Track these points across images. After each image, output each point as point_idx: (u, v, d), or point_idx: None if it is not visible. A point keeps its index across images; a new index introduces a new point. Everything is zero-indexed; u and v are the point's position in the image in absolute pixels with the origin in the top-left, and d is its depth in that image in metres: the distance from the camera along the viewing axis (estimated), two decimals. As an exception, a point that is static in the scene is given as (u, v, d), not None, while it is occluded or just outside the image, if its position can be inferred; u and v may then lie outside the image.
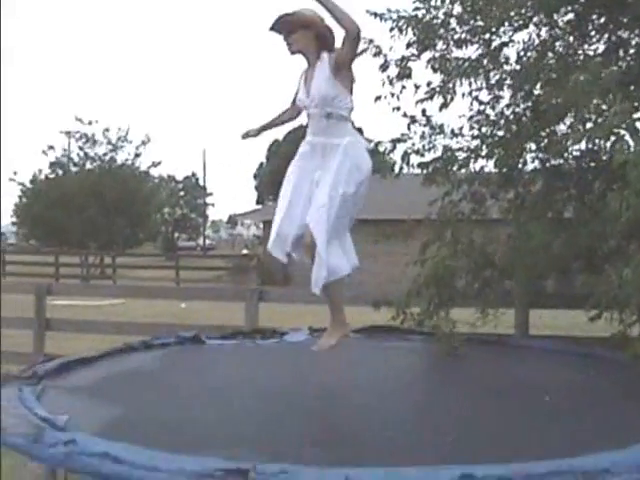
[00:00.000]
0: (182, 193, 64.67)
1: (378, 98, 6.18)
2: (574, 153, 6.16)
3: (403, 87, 6.16)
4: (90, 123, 36.98)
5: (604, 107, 4.88)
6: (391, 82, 6.16)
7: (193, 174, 66.07)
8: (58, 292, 8.81)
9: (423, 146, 6.40)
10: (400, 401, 4.22)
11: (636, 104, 5.08)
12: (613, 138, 4.52)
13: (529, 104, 6.23)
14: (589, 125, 5.07)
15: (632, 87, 5.24)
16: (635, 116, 4.82)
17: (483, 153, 6.37)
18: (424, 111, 6.22)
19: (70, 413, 3.45)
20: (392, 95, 6.19)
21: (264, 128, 4.80)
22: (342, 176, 4.20)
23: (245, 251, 40.01)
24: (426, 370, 5.60)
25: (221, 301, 9.37)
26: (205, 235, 64.34)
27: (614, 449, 2.86)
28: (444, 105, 6.26)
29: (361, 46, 6.12)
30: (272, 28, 4.34)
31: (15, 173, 37.63)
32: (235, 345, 5.86)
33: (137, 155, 38.24)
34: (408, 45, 6.22)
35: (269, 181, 50.85)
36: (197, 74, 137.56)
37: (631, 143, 4.29)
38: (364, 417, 3.83)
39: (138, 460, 2.71)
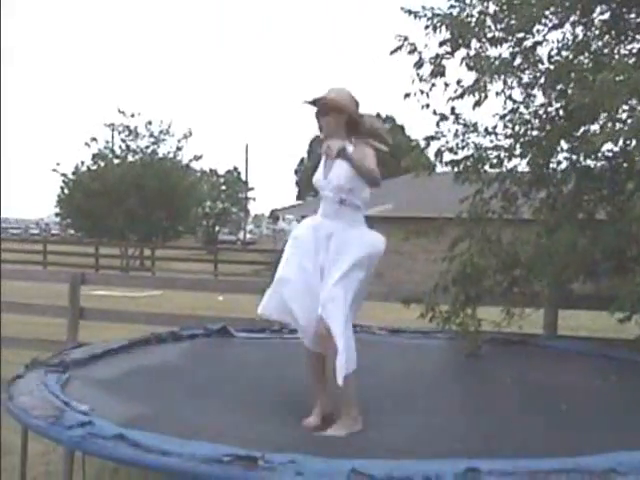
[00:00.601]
0: (224, 187, 64.88)
1: (407, 95, 6.19)
2: (607, 153, 6.12)
3: (433, 85, 6.17)
4: (133, 116, 37.30)
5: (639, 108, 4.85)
6: (421, 79, 6.15)
7: (235, 168, 66.33)
8: (92, 282, 8.91)
9: (457, 144, 6.40)
10: (415, 397, 4.25)
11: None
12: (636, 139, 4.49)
13: (562, 103, 6.20)
14: (619, 125, 5.04)
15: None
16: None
17: (517, 152, 6.35)
18: (453, 109, 6.22)
19: (92, 399, 3.55)
20: (422, 92, 6.20)
21: None
22: (356, 264, 4.17)
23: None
24: (449, 368, 5.63)
25: (251, 294, 9.42)
26: (246, 229, 64.58)
27: (623, 450, 2.85)
28: (477, 103, 6.24)
29: (396, 43, 6.20)
30: (310, 103, 4.41)
31: (58, 164, 38.05)
32: (261, 339, 5.92)
33: (179, 148, 38.43)
34: (442, 43, 6.21)
35: (310, 177, 50.99)
36: (240, 69, 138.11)
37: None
38: (378, 414, 3.88)
39: (151, 444, 2.78)
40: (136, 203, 34.96)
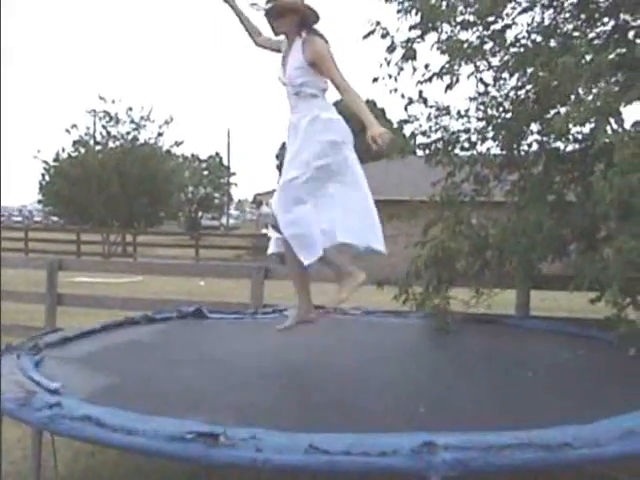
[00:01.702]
0: (206, 172, 64.76)
1: (375, 80, 6.23)
2: (576, 136, 6.17)
3: (401, 69, 6.19)
4: (113, 102, 37.28)
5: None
6: (389, 63, 6.18)
7: (217, 154, 66.20)
8: (69, 268, 8.90)
9: (430, 127, 6.44)
10: (380, 373, 4.32)
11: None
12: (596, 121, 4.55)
13: (532, 86, 6.23)
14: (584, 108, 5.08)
15: (619, 73, 5.25)
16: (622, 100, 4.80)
17: (489, 135, 6.39)
18: (421, 93, 6.26)
19: (64, 381, 3.59)
20: (390, 77, 6.23)
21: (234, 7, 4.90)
22: (304, 156, 4.42)
23: (265, 230, 39.88)
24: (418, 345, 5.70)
25: (228, 278, 9.49)
26: (229, 214, 64.51)
27: (579, 423, 2.92)
28: (449, 87, 6.28)
29: (368, 28, 6.22)
30: (266, 14, 4.58)
31: (39, 151, 38.02)
32: (233, 320, 5.97)
33: (160, 134, 38.47)
34: (412, 27, 6.22)
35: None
36: (221, 54, 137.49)
37: (614, 126, 4.31)
38: (343, 388, 3.94)
39: (117, 423, 2.84)
40: (117, 189, 34.93)
